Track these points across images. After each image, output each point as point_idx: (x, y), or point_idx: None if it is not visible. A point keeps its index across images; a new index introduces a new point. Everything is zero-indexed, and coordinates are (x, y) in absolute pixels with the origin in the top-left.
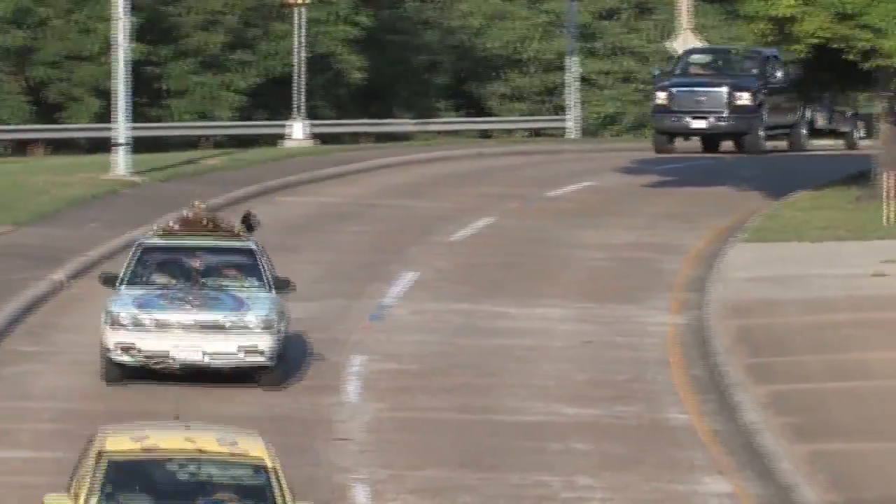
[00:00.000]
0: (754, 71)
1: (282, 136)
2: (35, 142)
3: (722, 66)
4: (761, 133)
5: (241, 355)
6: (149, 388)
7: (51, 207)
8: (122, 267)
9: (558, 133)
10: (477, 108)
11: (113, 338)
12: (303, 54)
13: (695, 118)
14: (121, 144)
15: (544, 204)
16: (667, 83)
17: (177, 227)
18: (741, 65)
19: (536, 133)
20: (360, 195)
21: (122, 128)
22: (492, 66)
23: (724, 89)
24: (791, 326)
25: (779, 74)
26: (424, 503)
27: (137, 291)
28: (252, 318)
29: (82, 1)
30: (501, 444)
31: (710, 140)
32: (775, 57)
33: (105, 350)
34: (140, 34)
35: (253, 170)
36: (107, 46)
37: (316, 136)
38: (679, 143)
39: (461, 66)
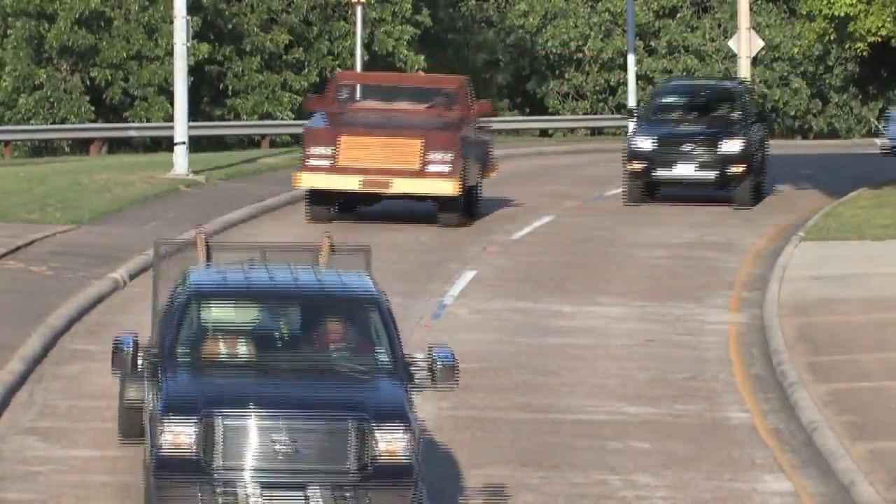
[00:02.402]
0: None
1: None
2: (95, 141)
3: None
4: None
5: None
6: None
7: (111, 206)
8: None
9: (619, 132)
10: (537, 106)
11: None
12: (363, 53)
13: None
14: (180, 143)
15: (605, 202)
16: None
17: None
18: None
19: (597, 132)
20: None
21: (181, 127)
22: (551, 64)
23: None
24: (851, 325)
25: None
26: (485, 501)
27: None
28: None
29: (149, 3)
30: (562, 443)
31: None
32: None
33: None
34: (202, 33)
35: None
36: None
37: None
38: None
39: (521, 64)
